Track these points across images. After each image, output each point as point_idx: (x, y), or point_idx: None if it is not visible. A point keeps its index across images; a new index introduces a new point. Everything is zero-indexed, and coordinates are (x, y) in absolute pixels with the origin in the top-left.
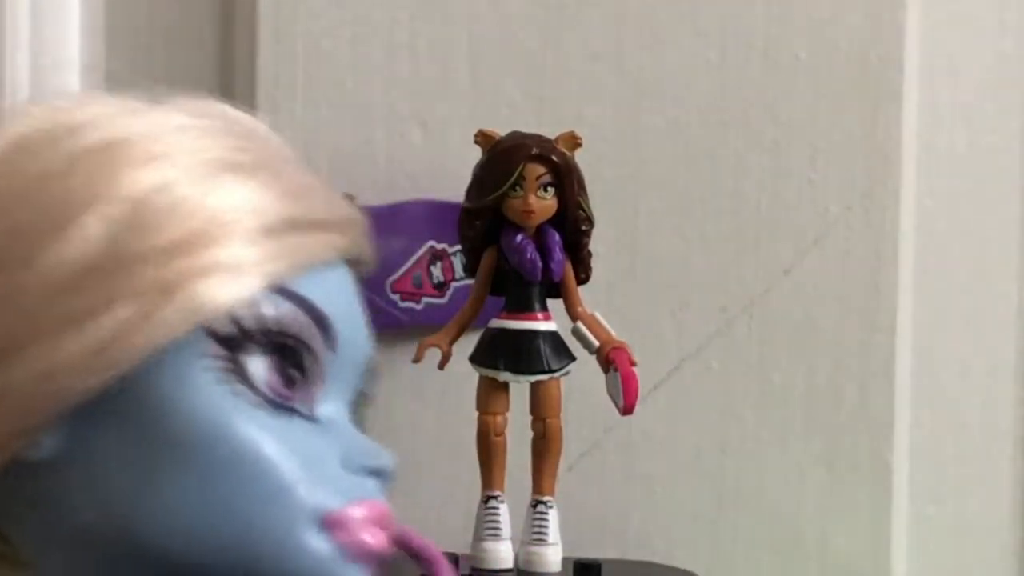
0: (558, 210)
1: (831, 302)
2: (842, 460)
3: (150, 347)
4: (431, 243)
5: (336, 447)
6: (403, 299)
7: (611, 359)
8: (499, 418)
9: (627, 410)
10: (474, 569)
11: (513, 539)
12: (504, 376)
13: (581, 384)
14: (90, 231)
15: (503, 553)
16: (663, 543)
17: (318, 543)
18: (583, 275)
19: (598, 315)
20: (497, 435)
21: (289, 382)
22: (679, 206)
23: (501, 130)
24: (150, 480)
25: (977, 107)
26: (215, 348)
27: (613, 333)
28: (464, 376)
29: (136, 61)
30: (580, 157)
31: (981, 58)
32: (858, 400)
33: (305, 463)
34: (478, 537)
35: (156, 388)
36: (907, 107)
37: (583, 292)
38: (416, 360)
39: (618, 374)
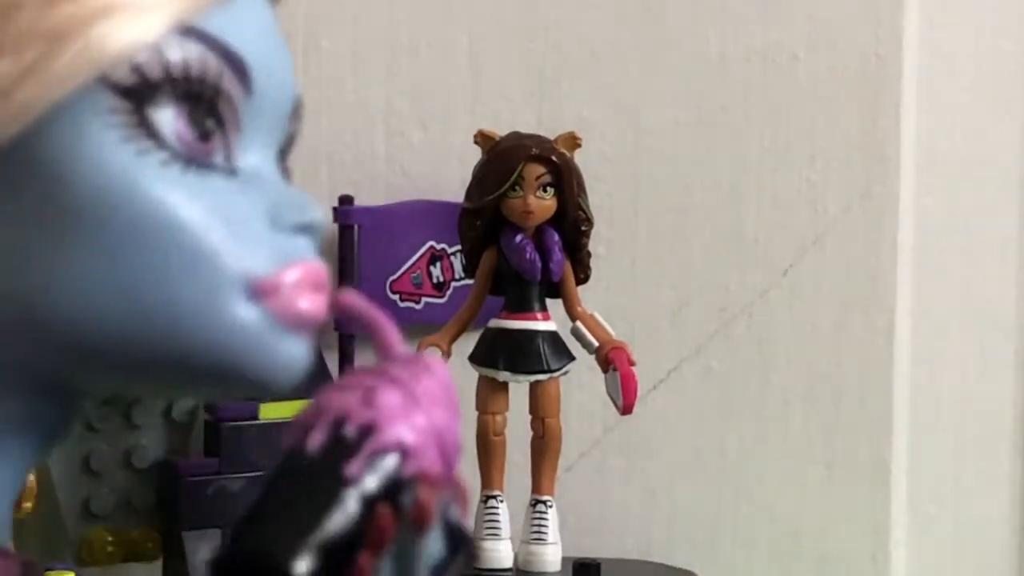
0: (557, 210)
1: (830, 302)
2: (841, 460)
3: (42, 103)
4: (431, 243)
5: (261, 203)
6: (403, 299)
7: (610, 359)
8: (498, 418)
9: (626, 410)
10: (474, 568)
11: (512, 538)
12: (503, 376)
13: (581, 384)
14: None
15: (502, 552)
16: (663, 543)
17: (248, 313)
18: (582, 275)
19: (597, 315)
20: (496, 435)
21: (203, 134)
22: (679, 206)
23: (501, 130)
24: (51, 254)
25: (976, 107)
26: (116, 101)
27: (612, 333)
28: (464, 376)
29: None
30: (580, 157)
31: (981, 58)
32: (857, 400)
33: (227, 224)
34: (478, 536)
35: (51, 151)
36: (906, 107)
37: (582, 292)
38: None
39: (617, 374)
